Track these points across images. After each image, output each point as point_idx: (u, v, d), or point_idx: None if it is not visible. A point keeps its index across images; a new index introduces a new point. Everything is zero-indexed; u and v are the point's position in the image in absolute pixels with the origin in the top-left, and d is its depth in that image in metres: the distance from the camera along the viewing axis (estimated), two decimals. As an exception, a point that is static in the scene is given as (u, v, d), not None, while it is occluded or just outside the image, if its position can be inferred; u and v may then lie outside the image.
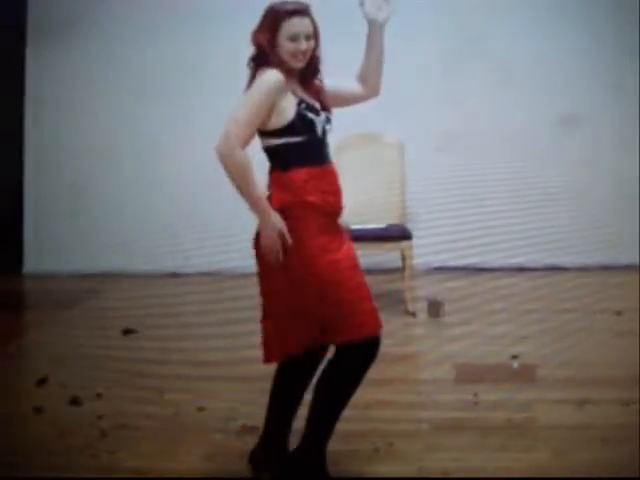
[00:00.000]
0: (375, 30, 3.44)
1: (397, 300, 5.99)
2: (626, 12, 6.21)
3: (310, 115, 3.26)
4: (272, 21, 3.24)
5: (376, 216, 6.03)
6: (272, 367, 4.72)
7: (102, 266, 7.14)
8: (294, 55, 3.23)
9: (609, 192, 6.44)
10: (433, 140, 6.36)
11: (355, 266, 3.39)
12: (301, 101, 3.26)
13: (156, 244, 7.03)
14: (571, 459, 3.67)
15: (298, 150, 3.28)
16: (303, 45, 3.22)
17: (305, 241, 3.28)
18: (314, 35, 3.27)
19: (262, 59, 3.26)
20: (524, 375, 4.70)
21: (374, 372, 4.62)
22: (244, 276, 6.72)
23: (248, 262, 6.35)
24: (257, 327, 5.39)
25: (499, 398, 4.33)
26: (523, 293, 6.19)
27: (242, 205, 6.46)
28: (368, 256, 6.17)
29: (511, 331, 5.36)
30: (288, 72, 3.25)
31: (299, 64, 3.26)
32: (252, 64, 3.33)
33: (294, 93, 3.27)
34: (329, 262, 3.30)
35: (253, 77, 3.29)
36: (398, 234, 5.93)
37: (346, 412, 4.10)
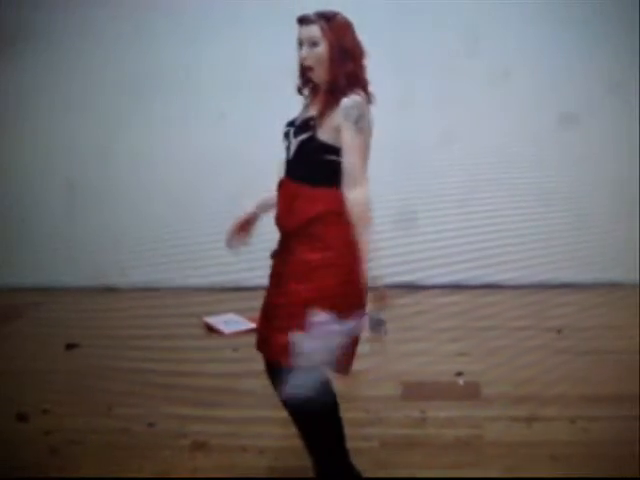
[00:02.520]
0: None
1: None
2: (626, 11, 6.26)
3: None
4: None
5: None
6: (217, 380, 4.82)
7: (41, 280, 7.06)
8: (300, 62, 3.26)
9: (609, 192, 6.48)
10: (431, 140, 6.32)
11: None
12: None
13: (95, 257, 6.98)
14: (521, 476, 3.72)
15: None
16: (304, 52, 3.22)
17: None
18: (325, 40, 3.19)
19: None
20: (469, 392, 4.75)
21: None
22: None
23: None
24: (196, 342, 5.51)
25: (447, 415, 4.37)
26: (465, 312, 6.23)
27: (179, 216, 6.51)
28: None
29: (455, 349, 5.41)
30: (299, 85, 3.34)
31: (309, 72, 3.24)
32: None
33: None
34: None
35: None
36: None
37: (294, 430, 4.18)
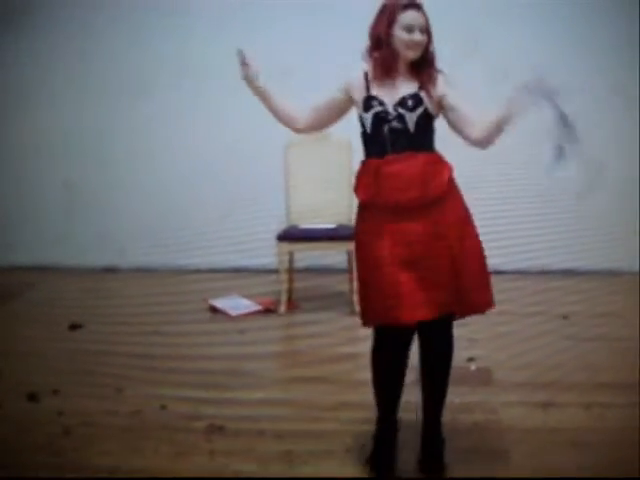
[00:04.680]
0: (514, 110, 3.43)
1: (344, 301, 6.02)
2: (626, 12, 6.25)
3: (363, 112, 3.50)
4: (389, 14, 3.45)
5: (326, 216, 6.03)
6: (226, 363, 4.78)
7: (38, 259, 7.00)
8: (408, 46, 3.44)
9: (608, 193, 6.47)
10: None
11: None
12: (369, 97, 3.48)
13: (91, 238, 6.93)
14: (543, 462, 3.72)
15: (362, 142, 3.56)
16: (418, 36, 3.43)
17: None
18: (426, 29, 3.48)
19: (377, 48, 3.47)
20: (482, 378, 4.73)
21: (334, 373, 4.72)
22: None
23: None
24: (202, 324, 5.48)
25: (462, 401, 4.34)
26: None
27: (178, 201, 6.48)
28: (316, 257, 6.23)
29: (464, 334, 5.37)
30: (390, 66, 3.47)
31: (413, 54, 3.46)
32: (370, 53, 3.52)
33: (371, 89, 3.50)
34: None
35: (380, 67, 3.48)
36: (346, 234, 5.93)
37: (314, 413, 4.16)
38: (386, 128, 3.45)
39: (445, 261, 3.44)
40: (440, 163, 3.50)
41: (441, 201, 3.46)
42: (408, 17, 3.43)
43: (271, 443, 3.94)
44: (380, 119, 3.46)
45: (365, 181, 3.49)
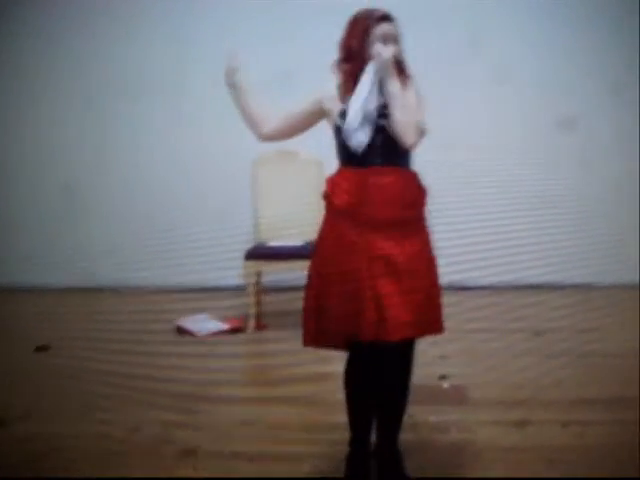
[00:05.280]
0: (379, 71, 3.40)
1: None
2: (625, 12, 6.25)
3: (340, 123, 3.40)
4: (363, 26, 3.42)
5: (295, 234, 5.98)
6: (196, 384, 4.70)
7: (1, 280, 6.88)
8: (389, 57, 3.37)
9: (608, 194, 6.44)
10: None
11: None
12: (344, 110, 3.40)
13: (56, 258, 6.82)
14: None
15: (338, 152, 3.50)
16: (391, 48, 3.39)
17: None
18: (399, 41, 3.47)
19: (348, 61, 3.44)
20: (456, 396, 4.69)
21: (305, 393, 4.65)
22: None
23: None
24: (170, 345, 5.40)
25: (437, 420, 4.30)
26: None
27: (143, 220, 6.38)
28: (285, 272, 6.16)
29: (435, 351, 5.34)
30: None
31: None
32: (340, 66, 3.48)
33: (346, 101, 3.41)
34: None
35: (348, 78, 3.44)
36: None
37: (287, 434, 4.10)
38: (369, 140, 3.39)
39: (421, 280, 3.41)
40: (420, 181, 3.50)
41: (418, 220, 3.47)
42: (383, 29, 3.42)
43: (245, 466, 3.87)
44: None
45: (345, 189, 3.40)
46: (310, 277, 3.54)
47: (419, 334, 3.45)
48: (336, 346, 3.54)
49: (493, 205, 6.41)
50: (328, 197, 3.48)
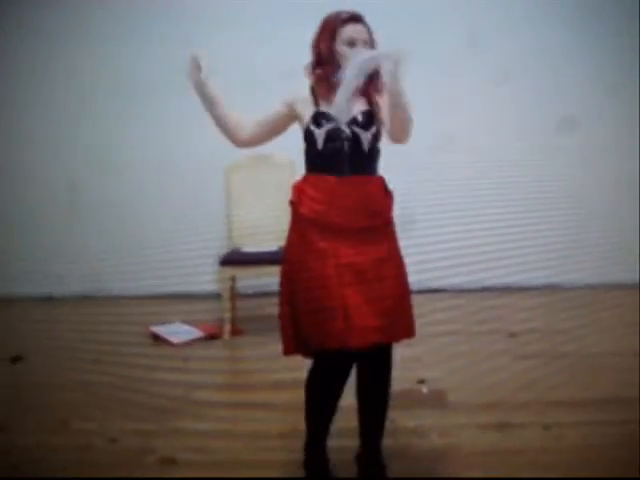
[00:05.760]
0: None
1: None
2: (625, 13, 6.26)
3: (312, 127, 3.39)
4: (330, 29, 3.40)
5: (269, 239, 5.95)
6: (173, 393, 4.67)
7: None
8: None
9: (608, 194, 6.44)
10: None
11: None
12: (319, 113, 3.39)
13: (26, 267, 6.75)
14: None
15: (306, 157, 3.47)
16: (360, 49, 3.33)
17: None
18: (370, 43, 3.39)
19: (319, 64, 3.42)
20: (434, 400, 4.69)
21: (282, 399, 4.63)
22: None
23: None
24: (145, 353, 5.36)
25: (416, 424, 4.30)
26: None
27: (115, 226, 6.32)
28: (259, 278, 6.13)
29: (410, 355, 5.34)
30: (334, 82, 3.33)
31: None
32: (312, 69, 3.46)
33: (319, 105, 3.42)
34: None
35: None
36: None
37: (263, 442, 4.07)
38: (340, 147, 3.37)
39: (389, 285, 3.40)
40: (388, 189, 3.49)
41: (387, 227, 3.47)
42: (349, 31, 3.38)
43: (225, 473, 3.84)
44: (334, 137, 3.37)
45: (313, 196, 3.39)
46: (282, 284, 3.52)
47: (388, 339, 3.43)
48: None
49: (489, 207, 6.40)
50: (294, 205, 3.47)
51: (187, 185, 6.56)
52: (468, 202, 6.49)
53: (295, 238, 3.48)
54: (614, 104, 6.36)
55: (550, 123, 6.39)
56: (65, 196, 6.76)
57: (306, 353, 3.51)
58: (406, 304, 3.50)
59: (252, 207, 6.11)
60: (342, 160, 3.37)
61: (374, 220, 3.41)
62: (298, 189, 3.46)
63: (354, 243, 3.36)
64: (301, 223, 3.44)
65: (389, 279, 3.40)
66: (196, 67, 3.43)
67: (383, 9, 5.87)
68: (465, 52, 6.19)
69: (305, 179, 3.47)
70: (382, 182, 3.47)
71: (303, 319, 3.40)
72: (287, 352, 3.51)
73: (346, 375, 3.51)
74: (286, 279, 3.49)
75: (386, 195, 3.47)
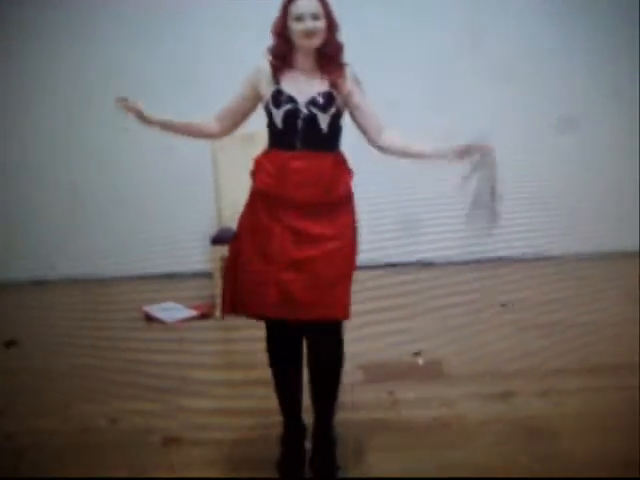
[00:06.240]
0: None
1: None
2: (625, 14, 6.26)
3: (271, 107, 3.42)
4: (282, 6, 3.42)
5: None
6: (170, 373, 4.67)
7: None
8: (300, 35, 3.37)
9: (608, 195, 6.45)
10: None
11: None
12: (278, 92, 3.43)
13: (17, 251, 6.69)
14: (510, 453, 3.73)
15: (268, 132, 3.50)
16: (309, 24, 3.35)
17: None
18: (325, 15, 3.39)
19: (276, 41, 3.45)
20: (431, 371, 4.72)
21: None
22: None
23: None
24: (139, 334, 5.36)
25: (416, 396, 4.33)
26: (389, 287, 6.19)
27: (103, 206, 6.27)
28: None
29: (405, 327, 5.38)
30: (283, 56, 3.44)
31: (308, 43, 3.39)
32: (270, 47, 3.49)
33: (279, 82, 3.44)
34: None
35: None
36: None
37: (264, 418, 4.08)
38: (298, 126, 3.41)
39: (331, 263, 3.42)
40: (346, 165, 3.51)
41: (341, 204, 3.48)
42: (297, 6, 3.39)
43: (228, 451, 3.87)
44: (292, 117, 3.42)
45: (268, 170, 3.43)
46: (229, 248, 3.62)
47: (321, 317, 3.43)
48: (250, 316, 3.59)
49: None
50: (252, 178, 3.53)
51: (175, 166, 6.51)
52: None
53: (247, 211, 3.55)
54: (614, 104, 6.38)
55: (550, 124, 6.40)
56: (61, 182, 6.69)
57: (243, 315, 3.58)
58: (344, 285, 3.48)
59: (240, 185, 6.08)
60: (296, 137, 3.40)
61: (326, 196, 3.42)
62: (257, 162, 3.52)
63: (301, 218, 3.40)
64: (254, 196, 3.51)
65: (333, 257, 3.42)
66: (134, 109, 3.52)
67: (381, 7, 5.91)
68: (464, 54, 6.19)
69: (264, 153, 3.52)
70: (339, 158, 3.50)
71: (246, 286, 3.47)
72: (225, 312, 3.60)
73: (290, 345, 3.60)
74: (233, 245, 3.57)
75: (342, 171, 3.49)
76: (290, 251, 3.38)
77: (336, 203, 3.45)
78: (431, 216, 6.44)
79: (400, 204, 6.43)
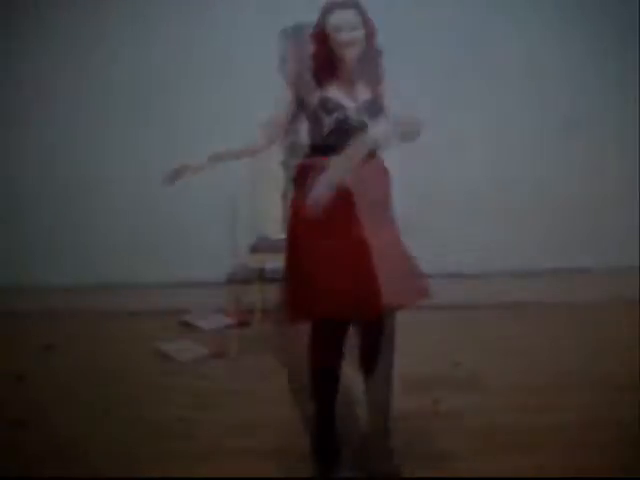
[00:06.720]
0: None
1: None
2: (628, 13, 6.26)
3: (320, 113, 3.49)
4: (321, 14, 3.52)
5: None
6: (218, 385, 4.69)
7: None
8: (340, 45, 3.46)
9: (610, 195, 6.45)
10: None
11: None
12: (325, 98, 3.50)
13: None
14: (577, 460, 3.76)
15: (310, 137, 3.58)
16: (347, 35, 3.45)
17: None
18: (363, 24, 3.49)
19: (314, 48, 3.55)
20: (470, 382, 4.74)
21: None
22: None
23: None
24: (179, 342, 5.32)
25: (458, 406, 4.36)
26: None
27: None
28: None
29: (441, 337, 5.40)
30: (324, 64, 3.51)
31: (348, 53, 3.47)
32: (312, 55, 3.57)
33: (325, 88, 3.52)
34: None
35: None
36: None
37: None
38: (348, 132, 3.44)
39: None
40: (385, 166, 3.64)
41: (389, 202, 3.61)
42: (334, 18, 3.48)
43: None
44: (343, 123, 3.48)
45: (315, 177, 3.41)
46: (286, 257, 3.62)
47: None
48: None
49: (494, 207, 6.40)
50: (294, 182, 3.60)
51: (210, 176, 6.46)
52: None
53: (294, 217, 3.57)
54: (617, 104, 6.37)
55: (553, 124, 6.39)
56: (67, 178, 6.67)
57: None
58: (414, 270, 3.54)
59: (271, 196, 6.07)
60: (346, 143, 3.38)
61: (380, 195, 3.54)
62: (299, 168, 3.59)
63: (363, 220, 3.43)
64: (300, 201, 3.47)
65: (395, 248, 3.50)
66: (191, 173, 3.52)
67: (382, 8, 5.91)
68: (466, 54, 6.20)
69: (308, 159, 3.56)
70: (380, 160, 3.59)
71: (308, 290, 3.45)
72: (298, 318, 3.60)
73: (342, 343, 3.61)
74: (297, 253, 3.55)
75: (387, 172, 3.62)
76: (364, 250, 3.38)
77: (388, 202, 3.58)
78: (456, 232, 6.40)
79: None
